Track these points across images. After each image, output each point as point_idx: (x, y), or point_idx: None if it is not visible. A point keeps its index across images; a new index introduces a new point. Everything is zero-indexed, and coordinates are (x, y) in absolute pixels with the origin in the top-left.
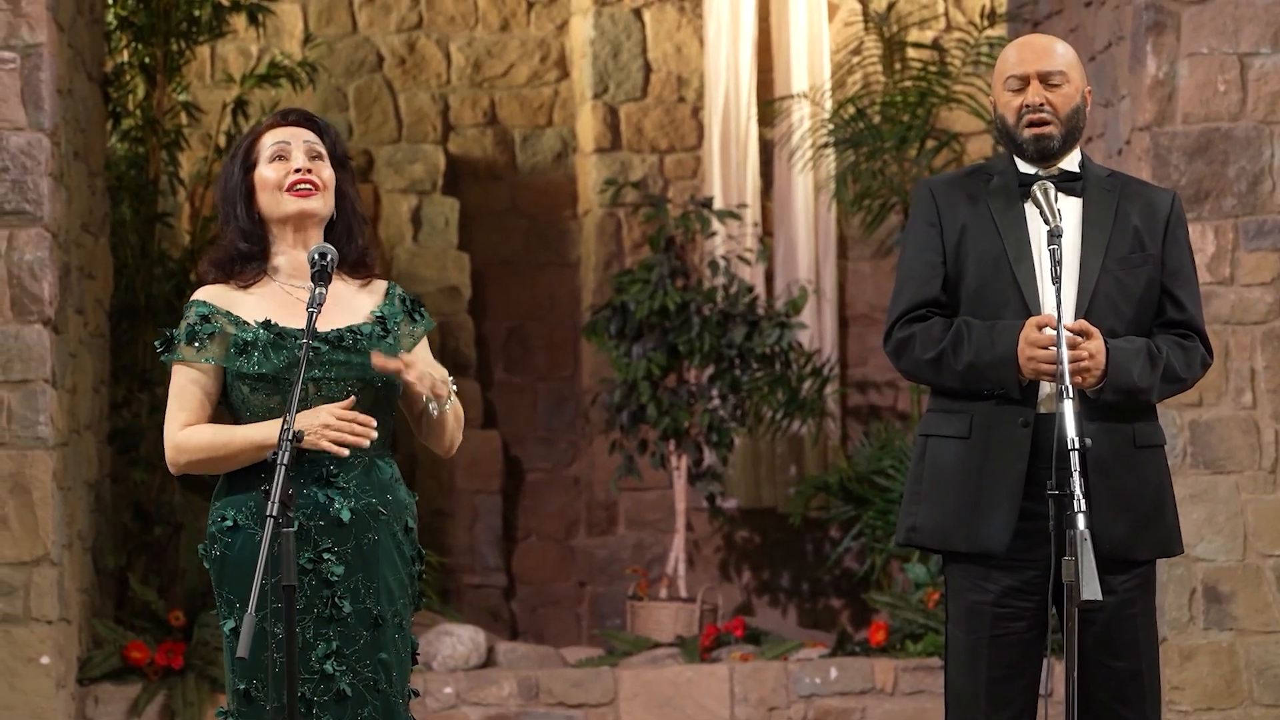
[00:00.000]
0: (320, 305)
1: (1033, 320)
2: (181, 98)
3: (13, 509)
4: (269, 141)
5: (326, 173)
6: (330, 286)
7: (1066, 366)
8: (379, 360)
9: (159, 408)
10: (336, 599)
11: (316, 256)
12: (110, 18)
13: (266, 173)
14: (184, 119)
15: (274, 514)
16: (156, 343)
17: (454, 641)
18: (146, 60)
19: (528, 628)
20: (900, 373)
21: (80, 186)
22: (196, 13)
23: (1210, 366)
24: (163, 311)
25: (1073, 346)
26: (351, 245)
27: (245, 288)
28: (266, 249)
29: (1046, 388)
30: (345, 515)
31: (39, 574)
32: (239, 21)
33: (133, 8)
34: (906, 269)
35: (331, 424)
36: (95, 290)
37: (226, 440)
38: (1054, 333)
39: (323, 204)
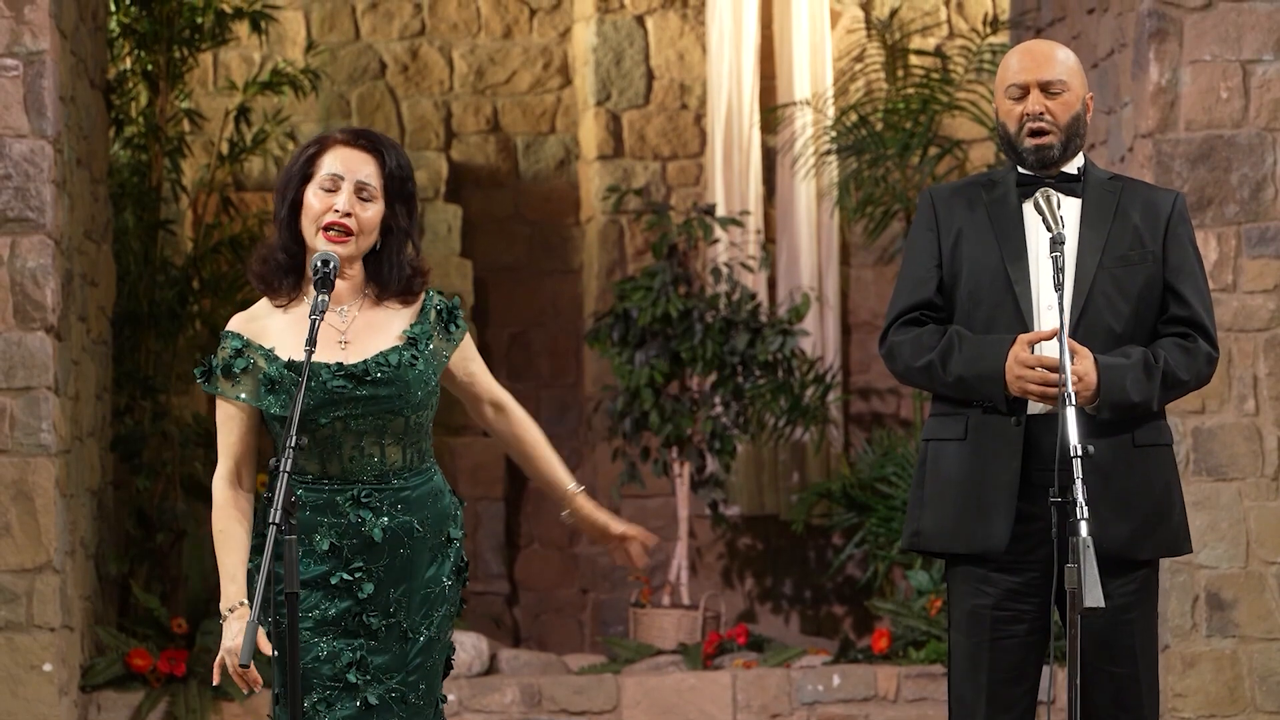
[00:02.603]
0: (323, 312)
1: (1023, 338)
2: (184, 105)
3: (15, 516)
4: (327, 164)
5: (368, 214)
6: (368, 313)
7: (1069, 373)
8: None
9: (161, 414)
10: (366, 615)
11: (319, 264)
12: (113, 25)
13: (313, 200)
14: (186, 126)
15: (276, 521)
16: (196, 370)
17: (456, 648)
18: (149, 67)
19: (530, 635)
20: (893, 375)
21: (83, 193)
22: (199, 20)
23: (1217, 362)
24: (165, 318)
25: (1061, 369)
26: (392, 273)
27: (282, 307)
28: (305, 264)
29: (1035, 406)
30: (377, 534)
31: (41, 581)
32: (242, 28)
33: (135, 15)
34: (903, 274)
35: (228, 661)
36: (98, 297)
37: (219, 556)
38: (1044, 352)
39: (354, 249)
